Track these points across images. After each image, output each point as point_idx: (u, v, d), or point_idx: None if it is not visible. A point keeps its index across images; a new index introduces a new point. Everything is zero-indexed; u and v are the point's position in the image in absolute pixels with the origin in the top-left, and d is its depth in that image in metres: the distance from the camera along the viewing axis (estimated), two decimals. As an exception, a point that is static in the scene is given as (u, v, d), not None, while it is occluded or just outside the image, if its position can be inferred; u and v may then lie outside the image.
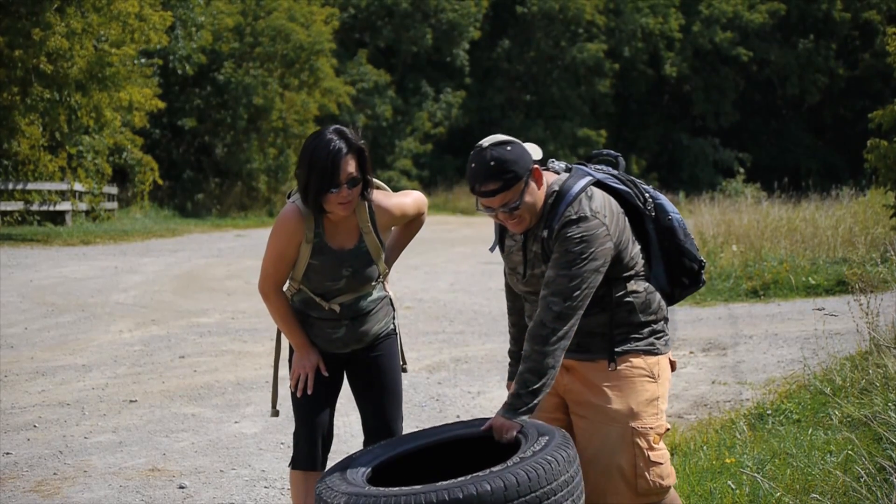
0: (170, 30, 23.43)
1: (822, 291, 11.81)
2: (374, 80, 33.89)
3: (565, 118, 38.92)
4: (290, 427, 6.73)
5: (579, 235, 3.55)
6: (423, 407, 7.32)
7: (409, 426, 6.78)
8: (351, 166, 3.91)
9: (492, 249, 3.95)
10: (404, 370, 4.35)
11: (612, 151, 3.90)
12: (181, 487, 5.55)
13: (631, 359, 3.69)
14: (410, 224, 4.27)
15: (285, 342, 4.34)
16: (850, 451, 4.80)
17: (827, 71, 41.48)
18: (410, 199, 4.21)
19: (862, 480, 4.27)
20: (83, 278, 13.73)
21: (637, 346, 3.71)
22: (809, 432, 5.52)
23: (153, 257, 16.55)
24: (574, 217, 3.57)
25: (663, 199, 3.83)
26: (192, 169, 28.91)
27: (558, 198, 3.64)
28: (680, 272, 3.84)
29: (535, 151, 3.68)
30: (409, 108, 35.94)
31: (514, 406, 3.54)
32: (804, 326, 9.71)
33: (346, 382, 4.35)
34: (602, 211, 3.60)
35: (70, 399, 7.44)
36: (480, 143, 3.63)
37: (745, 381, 7.77)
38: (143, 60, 22.99)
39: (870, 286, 8.06)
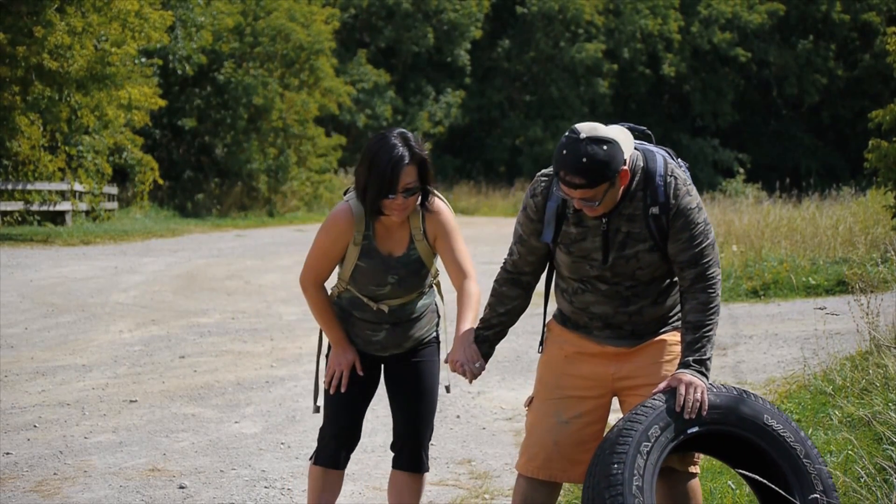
0: (170, 30, 23.41)
1: (822, 291, 11.81)
2: (373, 80, 33.89)
3: (564, 118, 38.89)
4: (291, 427, 6.76)
5: (696, 204, 3.69)
6: (423, 407, 7.32)
7: (409, 426, 6.79)
8: (410, 176, 3.87)
9: (544, 239, 3.82)
10: (448, 390, 4.29)
11: (640, 126, 3.90)
12: (181, 487, 5.55)
13: (675, 335, 3.83)
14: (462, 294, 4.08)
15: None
16: (850, 452, 4.80)
17: (826, 71, 41.44)
18: (465, 247, 4.15)
19: (862, 480, 4.27)
20: (83, 278, 13.72)
21: (676, 324, 3.86)
22: (809, 432, 5.51)
23: (153, 257, 16.55)
24: (684, 187, 3.68)
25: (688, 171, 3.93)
26: (192, 169, 28.89)
27: (648, 175, 3.69)
28: None
29: (627, 147, 3.64)
30: (410, 108, 35.95)
31: (705, 367, 3.63)
32: (804, 326, 9.71)
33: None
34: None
35: (70, 399, 7.43)
36: (577, 129, 3.57)
37: (745, 381, 7.76)
38: (143, 60, 22.98)
39: (870, 286, 8.05)
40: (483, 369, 3.87)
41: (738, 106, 42.26)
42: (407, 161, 3.85)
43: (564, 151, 3.54)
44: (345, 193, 4.09)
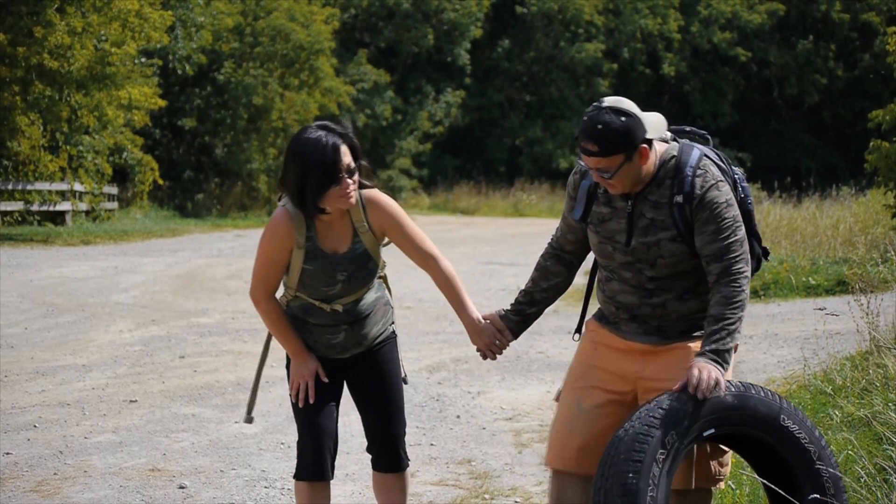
0: (170, 30, 23.43)
1: (822, 291, 11.81)
2: (373, 80, 33.90)
3: (564, 118, 38.92)
4: (291, 427, 6.74)
5: (724, 199, 3.66)
6: (423, 407, 7.32)
7: (409, 427, 6.78)
8: (347, 156, 3.85)
9: (573, 216, 3.87)
10: (405, 381, 4.24)
11: (699, 130, 3.89)
12: (181, 487, 5.55)
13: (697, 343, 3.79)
14: (437, 276, 4.11)
15: (274, 349, 4.24)
16: (850, 452, 4.80)
17: (826, 71, 41.46)
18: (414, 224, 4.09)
19: (862, 480, 4.27)
20: (83, 278, 13.72)
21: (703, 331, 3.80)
22: (810, 432, 5.51)
23: (153, 257, 16.55)
24: (713, 181, 3.66)
25: (746, 183, 3.87)
26: (192, 169, 28.90)
27: (680, 164, 3.69)
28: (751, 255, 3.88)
29: (654, 128, 3.66)
30: (410, 108, 35.95)
31: (723, 357, 3.63)
32: (804, 326, 9.71)
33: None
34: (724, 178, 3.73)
35: (70, 399, 7.44)
36: (603, 99, 3.65)
37: (745, 381, 7.75)
38: (143, 60, 23.00)
39: (870, 286, 8.05)
40: (508, 340, 4.12)
41: (738, 106, 42.27)
42: (341, 142, 3.84)
43: (585, 118, 3.62)
44: (279, 199, 4.03)
